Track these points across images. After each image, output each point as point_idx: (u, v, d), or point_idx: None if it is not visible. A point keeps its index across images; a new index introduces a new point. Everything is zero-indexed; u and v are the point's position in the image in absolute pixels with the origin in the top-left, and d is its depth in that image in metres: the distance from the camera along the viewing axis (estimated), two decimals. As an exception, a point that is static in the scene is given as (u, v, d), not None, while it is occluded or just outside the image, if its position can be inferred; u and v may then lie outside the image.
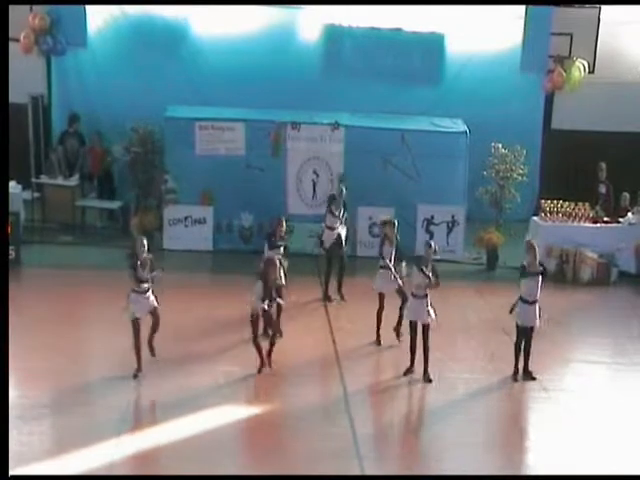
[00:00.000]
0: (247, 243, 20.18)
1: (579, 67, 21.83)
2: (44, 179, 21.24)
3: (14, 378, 13.64)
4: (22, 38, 20.90)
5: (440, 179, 20.25)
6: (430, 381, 14.79)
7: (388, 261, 15.87)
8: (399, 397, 14.79)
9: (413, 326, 14.83)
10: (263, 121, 20.20)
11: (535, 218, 20.56)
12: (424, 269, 14.63)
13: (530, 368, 15.10)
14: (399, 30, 22.11)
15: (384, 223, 16.30)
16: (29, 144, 21.52)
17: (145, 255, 14.15)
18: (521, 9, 21.78)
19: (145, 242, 14.20)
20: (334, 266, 17.89)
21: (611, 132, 22.55)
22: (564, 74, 21.80)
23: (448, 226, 20.45)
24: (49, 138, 21.86)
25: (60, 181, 21.12)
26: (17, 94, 19.94)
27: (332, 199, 17.94)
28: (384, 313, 16.03)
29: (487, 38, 22.09)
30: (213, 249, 20.30)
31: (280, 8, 21.79)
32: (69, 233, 20.68)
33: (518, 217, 21.03)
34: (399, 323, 15.84)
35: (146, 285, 14.17)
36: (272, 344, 14.69)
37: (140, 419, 13.81)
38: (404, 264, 15.94)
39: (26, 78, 20.92)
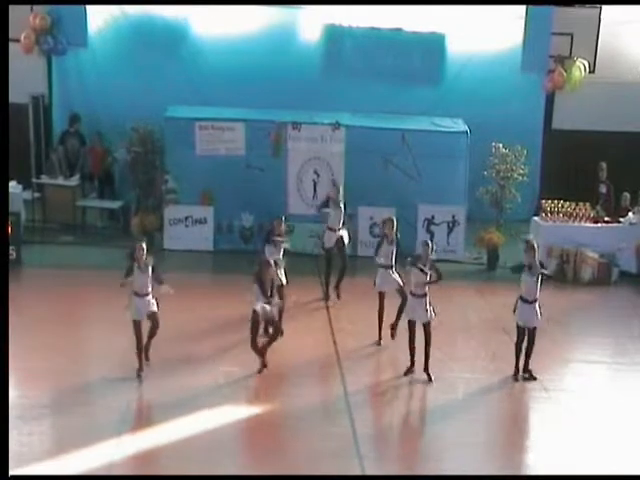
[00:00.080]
0: (247, 243, 20.18)
1: (580, 67, 21.82)
2: (45, 179, 21.25)
3: (14, 378, 13.65)
4: (23, 38, 20.91)
5: (441, 179, 20.25)
6: (430, 380, 14.78)
7: (388, 260, 15.86)
8: (399, 397, 14.79)
9: (411, 325, 14.82)
10: (263, 121, 20.19)
11: (536, 218, 20.55)
12: (422, 268, 14.62)
13: (531, 368, 15.07)
14: (399, 30, 22.10)
15: (384, 222, 16.30)
16: (30, 144, 21.52)
17: (145, 260, 14.08)
18: (521, 9, 21.76)
19: (145, 246, 14.14)
20: (334, 266, 17.86)
21: (612, 132, 22.54)
22: (565, 74, 21.79)
23: (449, 226, 20.44)
24: (50, 138, 21.87)
25: (61, 181, 21.13)
26: (18, 94, 19.97)
27: (325, 203, 17.87)
28: (385, 312, 16.02)
29: (487, 38, 22.08)
30: (213, 249, 20.30)
31: (280, 8, 21.78)
32: (70, 233, 20.69)
33: (519, 217, 21.03)
34: (396, 321, 15.83)
35: (146, 289, 14.12)
36: (270, 342, 14.65)
37: (140, 419, 13.79)
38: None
39: (27, 78, 20.93)
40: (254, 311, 14.38)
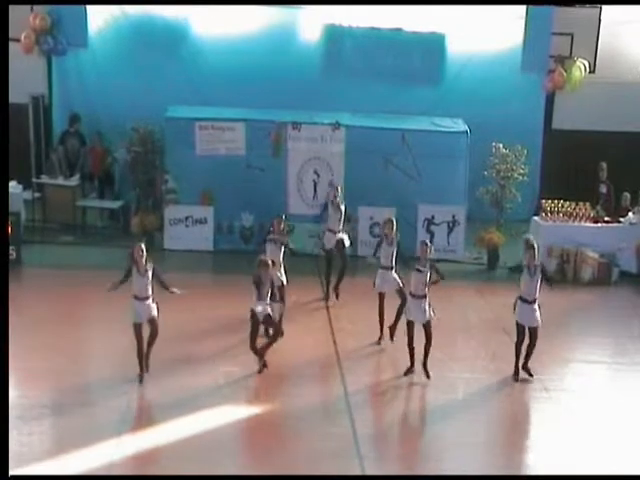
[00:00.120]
0: (248, 243, 20.18)
1: (580, 67, 21.82)
2: (45, 179, 21.25)
3: (14, 378, 13.65)
4: (23, 38, 20.91)
5: (441, 179, 20.25)
6: (428, 376, 14.79)
7: (388, 261, 15.86)
8: (399, 397, 14.79)
9: (410, 326, 14.81)
10: (263, 121, 20.19)
11: (536, 218, 20.55)
12: (421, 268, 14.63)
13: (530, 368, 15.07)
14: (399, 30, 22.10)
15: (384, 223, 16.31)
16: (30, 144, 21.53)
17: (144, 263, 14.04)
18: (522, 9, 21.76)
19: (144, 248, 14.11)
20: (334, 267, 17.85)
21: (612, 132, 22.55)
22: (565, 74, 21.79)
23: (449, 226, 20.44)
24: (50, 138, 21.87)
25: (61, 181, 21.13)
26: (18, 94, 19.98)
27: (324, 207, 17.85)
28: (385, 312, 16.02)
29: (488, 38, 22.08)
30: (214, 249, 20.31)
31: (280, 8, 21.78)
32: (70, 233, 20.69)
33: (519, 217, 21.03)
34: (395, 323, 15.82)
35: (146, 292, 14.09)
36: (270, 344, 14.63)
37: (140, 419, 13.77)
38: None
39: (27, 78, 20.94)
40: (253, 313, 14.36)
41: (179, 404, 13.65)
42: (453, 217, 20.40)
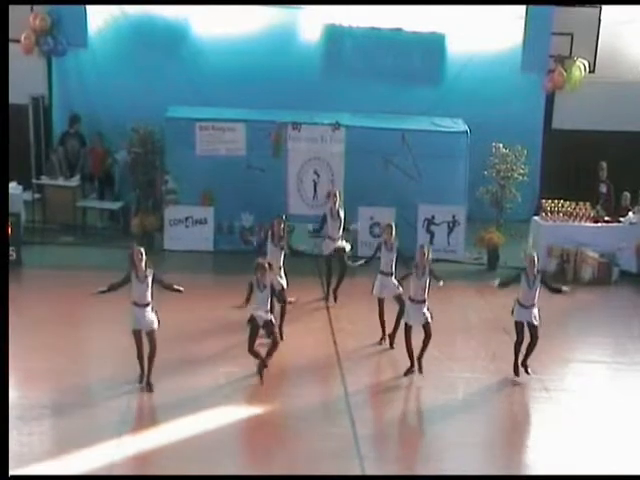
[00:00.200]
0: (248, 244, 20.16)
1: (580, 67, 21.82)
2: (45, 180, 21.25)
3: (14, 378, 13.66)
4: (23, 39, 20.91)
5: (441, 179, 20.24)
6: (421, 371, 14.82)
7: (388, 267, 15.86)
8: (399, 397, 14.78)
9: (408, 329, 14.82)
10: (264, 121, 20.19)
11: (536, 218, 20.56)
12: (418, 274, 14.65)
13: (530, 367, 15.08)
14: (399, 30, 22.10)
15: (383, 229, 16.35)
16: (30, 145, 21.52)
17: (143, 269, 13.97)
18: (522, 9, 21.76)
19: (143, 252, 14.05)
20: (335, 270, 17.84)
21: (612, 131, 22.55)
22: (565, 74, 21.79)
23: (449, 226, 20.44)
24: (50, 139, 21.86)
25: (61, 182, 21.13)
26: (18, 95, 19.98)
27: (323, 219, 17.82)
28: (385, 316, 16.05)
29: (488, 38, 22.08)
30: (214, 249, 20.30)
31: (280, 8, 21.78)
32: (70, 234, 20.69)
33: (519, 217, 21.03)
34: (395, 330, 15.81)
35: (145, 299, 14.05)
36: (270, 354, 14.51)
37: (141, 420, 13.77)
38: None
39: (27, 79, 20.94)
40: (252, 317, 14.33)
41: (179, 404, 13.67)
42: (453, 217, 20.39)
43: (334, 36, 22.27)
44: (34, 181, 21.33)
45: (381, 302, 16.01)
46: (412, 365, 14.96)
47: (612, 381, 15.91)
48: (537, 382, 15.07)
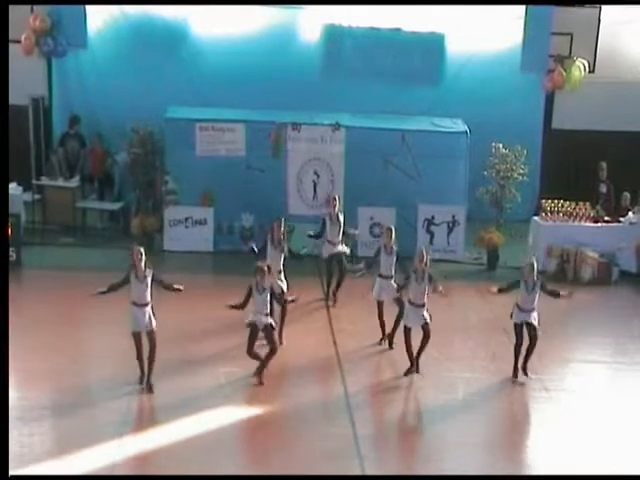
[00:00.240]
0: (249, 250, 20.12)
1: (579, 67, 21.81)
2: (45, 181, 21.25)
3: (14, 379, 13.68)
4: (23, 39, 20.90)
5: (441, 179, 20.23)
6: (417, 371, 14.84)
7: (388, 271, 15.86)
8: (400, 397, 14.80)
9: (407, 331, 14.85)
10: (263, 122, 20.18)
11: (536, 218, 20.55)
12: (417, 278, 14.66)
13: (530, 368, 15.08)
14: (399, 30, 22.08)
15: (383, 232, 16.36)
16: (30, 146, 21.50)
17: (143, 269, 13.98)
18: (521, 9, 21.74)
19: (143, 252, 14.05)
20: (334, 273, 17.84)
21: (612, 131, 22.54)
22: (564, 74, 21.78)
23: (449, 226, 20.43)
24: (50, 140, 21.85)
25: (61, 183, 21.13)
26: (18, 96, 19.98)
27: (323, 224, 17.81)
28: (385, 318, 16.06)
29: (487, 38, 22.05)
30: (214, 250, 20.30)
31: (280, 8, 21.76)
32: (70, 235, 20.68)
33: (519, 217, 21.03)
34: (394, 331, 15.81)
35: (145, 299, 14.06)
36: (268, 359, 14.47)
37: (141, 420, 13.78)
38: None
39: (27, 80, 20.92)
40: (252, 322, 14.33)
41: (180, 405, 13.68)
42: (453, 217, 20.38)
43: (334, 36, 22.26)
44: (34, 182, 21.32)
45: (380, 305, 16.02)
46: (412, 365, 14.97)
47: (612, 381, 15.92)
48: (537, 382, 15.08)
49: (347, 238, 18.22)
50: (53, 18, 21.26)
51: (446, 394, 14.60)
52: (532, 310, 14.78)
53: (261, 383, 14.41)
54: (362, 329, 16.48)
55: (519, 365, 15.03)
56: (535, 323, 14.81)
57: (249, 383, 14.44)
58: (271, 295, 14.39)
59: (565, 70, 21.80)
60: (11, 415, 11.97)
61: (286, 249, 16.07)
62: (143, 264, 13.95)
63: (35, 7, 21.29)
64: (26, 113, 21.33)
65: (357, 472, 12.38)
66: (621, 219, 20.49)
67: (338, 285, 17.79)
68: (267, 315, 14.31)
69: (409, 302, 14.88)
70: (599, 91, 22.16)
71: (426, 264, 14.75)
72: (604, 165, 21.30)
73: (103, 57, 21.85)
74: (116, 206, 21.28)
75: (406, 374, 14.98)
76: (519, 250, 20.04)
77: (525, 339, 14.93)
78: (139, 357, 14.16)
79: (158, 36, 21.80)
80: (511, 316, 14.95)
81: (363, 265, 16.33)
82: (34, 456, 12.23)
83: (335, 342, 16.25)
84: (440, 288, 14.84)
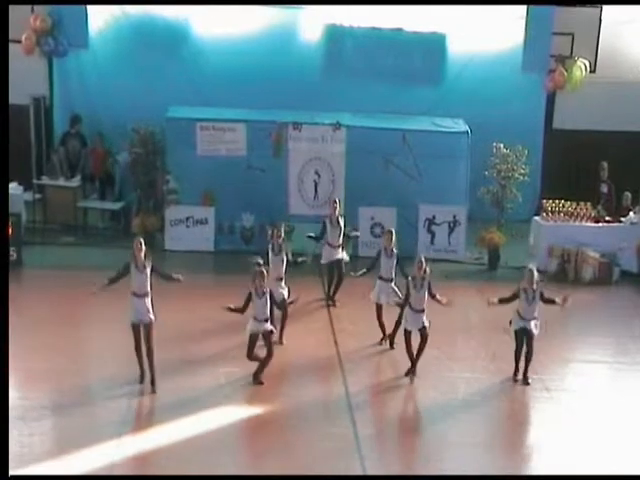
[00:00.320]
0: (248, 244, 20.18)
1: (580, 67, 21.81)
2: (45, 180, 21.26)
3: (15, 379, 13.68)
4: (24, 39, 20.93)
5: (442, 179, 20.23)
6: (414, 376, 14.82)
7: (388, 274, 15.85)
8: (400, 397, 14.80)
9: (407, 334, 14.86)
10: (264, 122, 20.18)
11: (537, 218, 20.55)
12: (417, 285, 14.66)
13: (531, 368, 15.05)
14: (400, 30, 22.08)
15: (383, 235, 16.37)
16: (30, 145, 21.50)
17: (143, 259, 14.01)
18: (522, 9, 21.76)
19: (142, 242, 14.10)
20: (334, 278, 17.84)
21: (613, 131, 22.53)
22: (565, 74, 21.78)
23: (450, 226, 20.42)
24: (51, 139, 21.88)
25: (62, 182, 21.15)
26: (19, 95, 19.99)
27: (323, 226, 17.77)
28: (384, 319, 16.07)
29: (488, 38, 22.06)
30: (214, 250, 20.30)
31: (281, 8, 21.77)
32: (71, 234, 20.69)
33: (520, 217, 21.01)
34: (394, 332, 15.80)
35: (144, 289, 14.08)
36: (263, 366, 14.44)
37: (141, 420, 13.78)
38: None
39: (28, 79, 20.94)
40: (252, 334, 14.32)
41: (179, 404, 13.68)
42: (454, 217, 20.38)
43: (334, 36, 22.27)
44: (35, 181, 21.33)
45: (379, 308, 16.02)
46: (413, 365, 14.96)
47: (613, 381, 15.91)
48: (538, 382, 15.07)
49: (348, 240, 18.25)
50: (54, 18, 21.29)
51: (446, 394, 14.59)
52: (533, 319, 14.79)
53: (261, 383, 14.41)
54: (363, 329, 16.47)
55: (520, 369, 15.01)
56: (534, 331, 14.80)
57: (249, 383, 14.44)
58: (271, 300, 14.35)
59: (566, 70, 21.80)
60: (11, 415, 11.97)
61: (285, 257, 15.98)
62: (143, 254, 13.99)
63: (36, 7, 21.34)
64: (27, 113, 21.33)
65: (358, 472, 12.37)
66: (622, 219, 20.49)
67: (336, 289, 17.79)
68: (267, 320, 14.29)
69: (409, 306, 14.89)
70: (600, 91, 22.16)
71: (425, 271, 14.76)
72: (605, 165, 21.30)
73: (104, 57, 21.87)
74: (117, 206, 21.29)
75: (407, 374, 14.98)
76: (520, 250, 20.05)
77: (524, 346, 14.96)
78: (137, 349, 14.16)
79: (159, 36, 21.82)
80: (510, 323, 14.95)
81: (364, 270, 16.28)
82: (34, 456, 12.23)
83: (336, 342, 16.25)
84: (438, 297, 14.82)
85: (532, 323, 14.80)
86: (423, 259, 14.92)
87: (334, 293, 17.81)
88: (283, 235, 16.15)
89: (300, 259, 16.48)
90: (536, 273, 14.83)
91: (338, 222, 17.62)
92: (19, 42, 20.55)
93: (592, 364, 16.27)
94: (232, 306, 14.37)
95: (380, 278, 15.96)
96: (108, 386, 14.18)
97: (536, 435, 13.90)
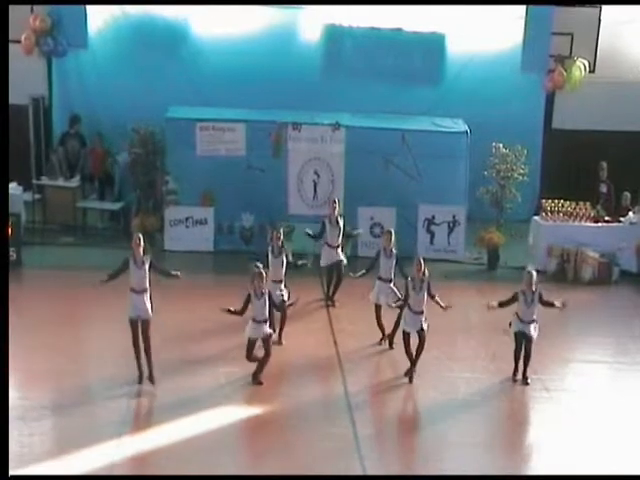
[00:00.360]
0: (248, 244, 20.18)
1: (580, 67, 21.79)
2: (45, 180, 21.24)
3: (15, 379, 13.69)
4: (23, 39, 20.90)
5: (441, 179, 20.22)
6: (411, 381, 14.84)
7: (387, 274, 15.85)
8: (400, 397, 14.80)
9: (406, 336, 14.86)
10: (264, 122, 20.17)
11: (536, 218, 20.54)
12: (415, 287, 14.66)
13: (530, 369, 15.06)
14: (400, 30, 22.06)
15: (382, 235, 16.36)
16: (30, 145, 21.49)
17: (142, 254, 14.04)
18: (522, 9, 21.72)
19: (142, 239, 14.12)
20: (333, 279, 17.84)
21: (612, 131, 22.52)
22: (565, 74, 21.76)
23: (449, 226, 20.42)
24: (50, 139, 21.85)
25: (61, 182, 21.13)
26: (18, 95, 19.97)
27: (323, 226, 17.78)
28: (383, 320, 16.08)
29: (488, 38, 22.02)
30: (214, 250, 20.29)
31: (280, 8, 21.74)
32: (70, 234, 20.68)
33: (519, 217, 21.00)
34: (394, 331, 15.81)
35: (143, 285, 14.08)
36: (261, 367, 14.44)
37: (141, 420, 13.80)
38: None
39: (27, 79, 20.92)
40: (251, 341, 14.32)
41: (179, 404, 13.68)
42: (453, 217, 20.37)
43: (334, 36, 22.24)
44: (34, 182, 21.31)
45: (378, 308, 16.02)
46: (412, 365, 14.96)
47: (613, 381, 15.91)
48: (538, 382, 15.07)
49: (350, 239, 18.24)
50: (53, 18, 21.26)
51: (446, 394, 14.60)
52: (532, 322, 14.79)
53: (260, 383, 14.41)
54: (362, 329, 16.46)
55: (520, 369, 15.02)
56: (533, 335, 14.81)
57: (249, 383, 14.45)
58: (270, 302, 14.33)
59: (565, 70, 21.78)
60: (11, 415, 11.97)
61: (285, 259, 15.97)
62: (141, 250, 14.01)
63: (35, 7, 21.30)
64: (26, 113, 21.32)
65: (357, 472, 12.38)
66: (621, 219, 20.48)
67: (335, 290, 17.79)
68: (266, 321, 14.28)
69: (408, 308, 14.89)
70: (599, 91, 22.14)
71: (424, 273, 14.75)
72: (604, 165, 21.29)
73: (104, 57, 21.84)
74: (116, 206, 21.28)
75: (406, 374, 14.97)
76: (519, 250, 20.04)
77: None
78: (135, 344, 14.17)
79: (159, 36, 21.79)
80: (510, 325, 14.95)
81: (363, 271, 16.27)
82: (34, 456, 12.24)
83: (335, 342, 16.25)
84: (438, 299, 14.82)
85: (531, 326, 14.81)
86: (422, 260, 14.92)
87: (333, 293, 17.83)
88: (282, 237, 16.13)
89: (301, 262, 16.46)
90: (535, 275, 14.83)
91: (337, 222, 17.62)
92: (19, 42, 20.52)
93: (592, 364, 16.27)
94: (231, 308, 14.36)
95: (379, 278, 15.97)
96: (108, 386, 14.19)
97: (536, 435, 13.91)
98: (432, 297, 14.81)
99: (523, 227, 20.59)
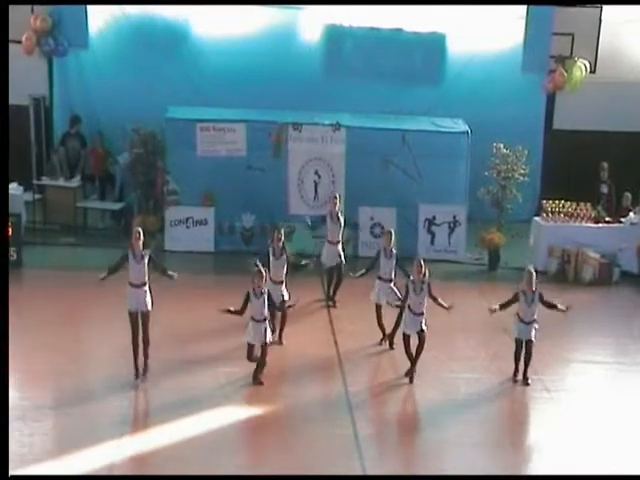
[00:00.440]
0: (248, 244, 20.18)
1: (580, 67, 21.81)
2: (45, 180, 21.26)
3: (15, 379, 13.68)
4: (24, 39, 20.95)
5: (441, 179, 20.23)
6: (411, 381, 14.83)
7: (387, 274, 15.84)
8: (400, 397, 14.78)
9: (406, 338, 14.86)
10: (264, 122, 20.18)
11: (537, 218, 20.55)
12: (416, 289, 14.66)
13: (531, 369, 15.05)
14: (400, 30, 22.09)
15: (382, 236, 16.36)
16: (30, 145, 21.52)
17: (141, 249, 14.06)
18: (522, 9, 21.76)
19: (141, 233, 14.13)
20: (333, 279, 17.85)
21: (613, 132, 22.54)
22: (565, 74, 21.79)
23: (450, 226, 20.42)
24: (50, 139, 21.89)
25: (61, 182, 21.16)
26: (18, 95, 20.01)
27: (323, 221, 17.78)
28: (383, 320, 16.07)
29: (488, 38, 22.07)
30: (214, 250, 20.29)
31: (281, 8, 21.79)
32: (70, 234, 20.69)
33: (520, 217, 21.00)
34: (394, 332, 15.80)
35: (142, 279, 14.09)
36: (260, 369, 14.42)
37: (141, 420, 13.80)
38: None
39: (27, 79, 20.97)
40: (250, 346, 14.32)
41: (179, 405, 13.67)
42: (454, 217, 20.37)
43: (334, 36, 22.27)
44: (35, 182, 21.34)
45: (379, 308, 16.02)
46: (412, 366, 14.95)
47: (613, 381, 15.89)
48: (538, 382, 15.06)
49: (349, 231, 18.20)
50: (54, 18, 21.31)
51: (446, 394, 14.59)
52: (533, 322, 14.78)
53: (261, 383, 14.40)
54: (362, 329, 16.46)
55: (520, 370, 15.01)
56: (533, 338, 14.81)
57: (249, 383, 14.43)
58: (269, 302, 14.33)
59: (566, 70, 21.81)
60: (11, 415, 11.96)
61: (287, 260, 15.96)
62: (141, 244, 14.01)
63: (36, 7, 21.35)
64: (27, 113, 21.35)
65: (358, 472, 12.37)
66: (622, 219, 20.49)
67: (336, 290, 17.79)
68: (265, 320, 14.27)
69: (408, 309, 14.88)
70: (600, 91, 22.16)
71: (424, 274, 14.74)
72: (605, 165, 21.31)
73: (104, 57, 21.88)
74: (117, 206, 21.29)
75: (407, 374, 14.96)
76: (520, 250, 20.03)
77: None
78: (134, 338, 14.16)
79: (159, 36, 21.83)
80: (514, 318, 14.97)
81: (363, 271, 16.27)
82: (34, 456, 12.22)
83: (336, 342, 16.25)
84: (440, 301, 14.81)
85: (532, 329, 14.78)
86: (422, 262, 14.91)
87: (334, 294, 17.82)
88: (283, 238, 16.12)
89: (303, 262, 16.47)
90: (534, 275, 14.82)
91: (338, 218, 17.63)
92: (19, 42, 20.56)
93: (592, 364, 16.26)
94: (231, 308, 14.36)
95: (379, 279, 15.97)
96: (108, 386, 14.17)
97: (536, 435, 13.90)
98: (434, 299, 14.80)
99: (524, 228, 20.58)
